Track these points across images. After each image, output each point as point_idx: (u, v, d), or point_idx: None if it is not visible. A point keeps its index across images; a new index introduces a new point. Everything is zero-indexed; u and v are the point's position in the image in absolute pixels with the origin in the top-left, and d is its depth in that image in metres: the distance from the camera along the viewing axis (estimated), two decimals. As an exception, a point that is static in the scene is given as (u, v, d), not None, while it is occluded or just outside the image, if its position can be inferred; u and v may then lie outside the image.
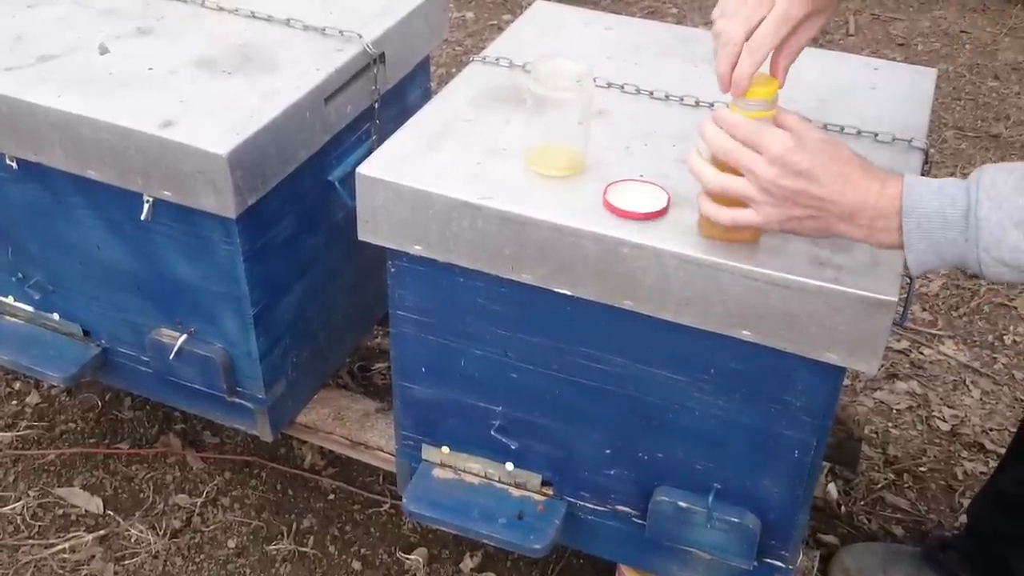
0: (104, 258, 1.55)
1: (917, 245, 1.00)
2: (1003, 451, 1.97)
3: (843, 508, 1.89)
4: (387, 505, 1.88)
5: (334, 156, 1.57)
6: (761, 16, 1.06)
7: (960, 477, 1.96)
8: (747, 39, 1.06)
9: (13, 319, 1.73)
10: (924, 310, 2.38)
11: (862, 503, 1.90)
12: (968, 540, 1.62)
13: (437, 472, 1.49)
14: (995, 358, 2.25)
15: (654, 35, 1.60)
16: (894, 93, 1.45)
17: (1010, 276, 0.99)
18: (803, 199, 1.02)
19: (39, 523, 1.84)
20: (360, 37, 1.56)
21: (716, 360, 1.22)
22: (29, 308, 1.70)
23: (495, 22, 3.64)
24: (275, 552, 1.80)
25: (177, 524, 1.84)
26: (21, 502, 1.87)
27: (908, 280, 1.23)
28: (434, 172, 1.25)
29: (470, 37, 3.54)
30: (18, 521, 1.84)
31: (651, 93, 1.42)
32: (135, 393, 1.98)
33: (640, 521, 1.39)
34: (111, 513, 1.86)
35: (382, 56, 1.59)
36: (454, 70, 3.16)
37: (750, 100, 1.06)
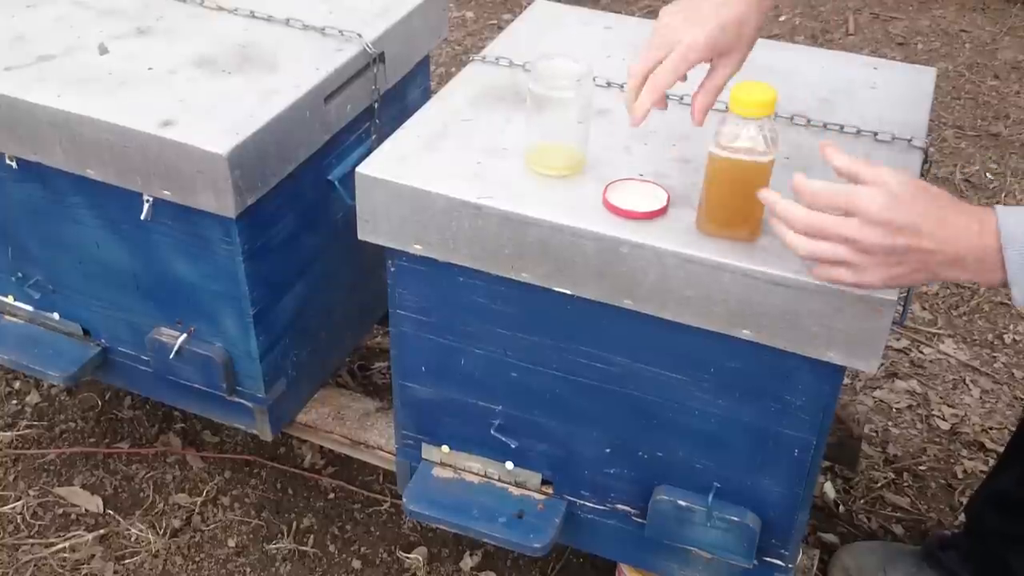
0: (104, 257, 1.55)
1: (1022, 279, 0.95)
2: (1003, 450, 1.98)
3: (843, 507, 1.89)
4: (387, 504, 1.88)
5: (334, 156, 1.57)
6: (662, 56, 1.13)
7: (960, 476, 1.96)
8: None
9: (13, 319, 1.73)
10: (924, 309, 2.38)
11: (862, 502, 1.90)
12: (968, 539, 1.62)
13: (437, 471, 1.49)
14: (995, 357, 2.25)
15: (654, 34, 1.60)
16: (894, 92, 1.45)
17: None
18: (910, 255, 0.98)
19: (39, 522, 1.84)
20: (360, 37, 1.56)
21: (716, 359, 1.22)
22: (29, 307, 1.70)
23: (495, 21, 3.64)
24: (275, 551, 1.80)
25: (177, 523, 1.84)
26: (21, 501, 1.87)
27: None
28: (434, 172, 1.25)
29: (470, 36, 3.54)
30: (18, 520, 1.84)
31: (651, 92, 1.42)
32: (135, 392, 1.98)
33: (640, 520, 1.40)
34: (111, 512, 1.86)
35: (382, 56, 1.59)
36: (454, 70, 3.16)
37: (747, 117, 1.06)
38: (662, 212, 1.18)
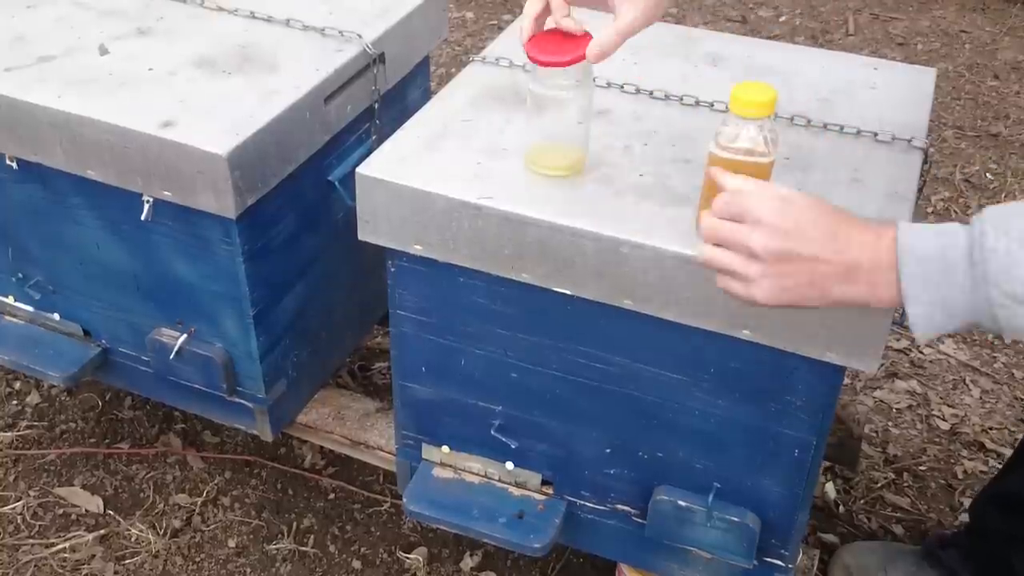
0: (104, 258, 1.55)
1: (919, 296, 0.90)
2: (1003, 450, 1.98)
3: (843, 507, 1.89)
4: (387, 504, 1.88)
5: (334, 156, 1.57)
6: None
7: (960, 476, 1.96)
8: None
9: (13, 319, 1.73)
10: (924, 309, 2.37)
11: (862, 502, 1.90)
12: (970, 539, 1.62)
13: (437, 471, 1.49)
14: (995, 357, 2.25)
15: (654, 35, 1.59)
16: (894, 93, 1.45)
17: None
18: (798, 264, 0.94)
19: (39, 523, 1.84)
20: (360, 37, 1.56)
21: (716, 360, 1.22)
22: (29, 308, 1.70)
23: (495, 22, 3.64)
24: (275, 551, 1.80)
25: (177, 524, 1.84)
26: (21, 502, 1.88)
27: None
28: (434, 172, 1.25)
29: (470, 37, 3.54)
30: (18, 521, 1.84)
31: (651, 93, 1.42)
32: (135, 393, 1.98)
33: (640, 520, 1.40)
34: (111, 513, 1.86)
35: (382, 56, 1.59)
36: (454, 70, 3.16)
37: (747, 117, 1.06)
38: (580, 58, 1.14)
